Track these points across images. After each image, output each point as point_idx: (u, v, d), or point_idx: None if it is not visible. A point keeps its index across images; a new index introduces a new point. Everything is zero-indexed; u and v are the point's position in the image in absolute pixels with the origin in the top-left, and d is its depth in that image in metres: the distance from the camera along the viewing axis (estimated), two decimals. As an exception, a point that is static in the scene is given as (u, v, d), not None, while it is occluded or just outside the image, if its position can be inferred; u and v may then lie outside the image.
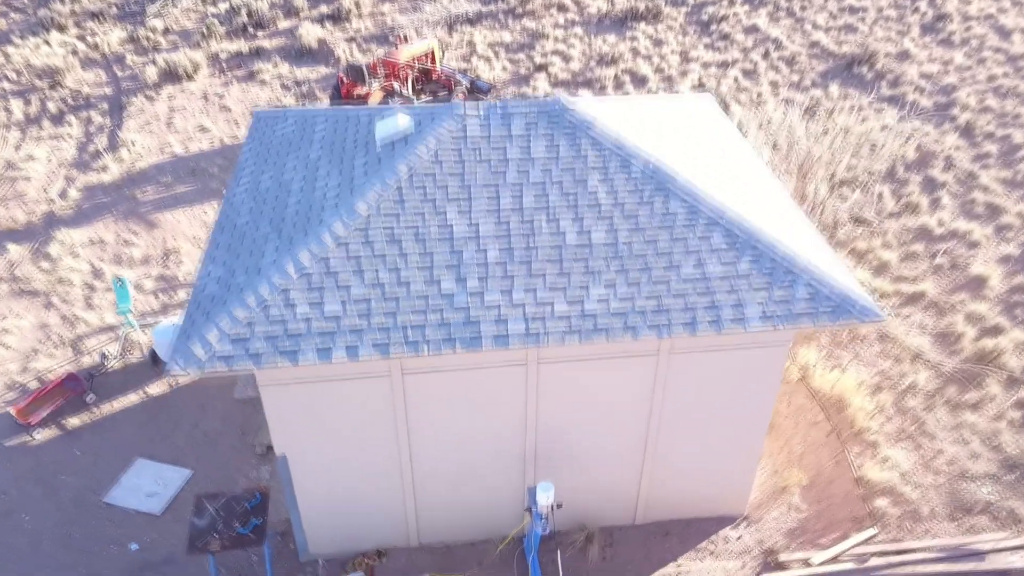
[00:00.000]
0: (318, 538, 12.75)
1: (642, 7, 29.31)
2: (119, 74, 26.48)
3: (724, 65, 26.58)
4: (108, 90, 25.89)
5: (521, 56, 27.10)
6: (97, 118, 24.41)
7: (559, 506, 11.11)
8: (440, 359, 10.81)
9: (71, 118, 24.34)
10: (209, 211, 20.76)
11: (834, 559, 12.94)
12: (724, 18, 29.12)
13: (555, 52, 27.18)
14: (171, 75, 25.97)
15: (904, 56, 26.70)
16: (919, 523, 13.49)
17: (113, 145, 23.15)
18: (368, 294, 10.26)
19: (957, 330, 16.84)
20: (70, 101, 25.12)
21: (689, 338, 10.97)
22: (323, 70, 26.64)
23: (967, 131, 23.26)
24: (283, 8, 29.89)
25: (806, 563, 12.90)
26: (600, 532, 13.25)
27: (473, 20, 29.29)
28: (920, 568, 12.45)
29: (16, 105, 24.65)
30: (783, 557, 13.02)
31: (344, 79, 22.35)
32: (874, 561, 12.83)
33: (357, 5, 29.57)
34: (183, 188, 21.48)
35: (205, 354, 9.78)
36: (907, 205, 20.60)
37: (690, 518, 13.55)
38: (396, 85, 22.94)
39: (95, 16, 29.78)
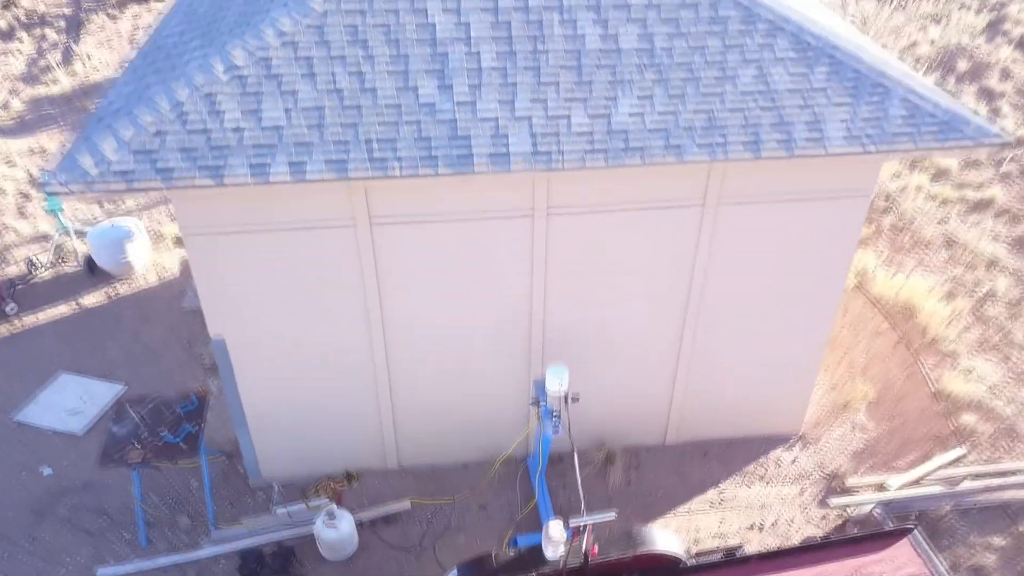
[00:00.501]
0: (271, 458, 10.20)
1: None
2: (79, -9, 23.99)
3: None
4: (68, 10, 23.41)
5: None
6: (52, 35, 21.95)
7: (575, 399, 8.55)
8: (420, 203, 8.26)
9: (23, 35, 21.88)
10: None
11: (916, 482, 10.35)
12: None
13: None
14: (136, -9, 23.49)
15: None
16: (1017, 441, 10.92)
17: (67, 59, 20.68)
18: (321, 101, 7.71)
19: (1038, 235, 14.30)
20: (23, 19, 22.65)
21: (745, 178, 8.43)
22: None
23: (1021, 45, 20.79)
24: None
25: (881, 488, 10.32)
26: (623, 453, 10.68)
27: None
28: (1029, 489, 9.91)
29: (-39, 20, 22.19)
30: (851, 482, 10.45)
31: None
32: (967, 484, 10.25)
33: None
34: (140, 97, 18.94)
35: (97, 168, 7.22)
36: (964, 113, 18.03)
37: (732, 438, 10.98)
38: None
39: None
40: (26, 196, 15.93)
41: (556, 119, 7.83)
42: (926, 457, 10.74)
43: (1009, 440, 10.92)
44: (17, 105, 18.81)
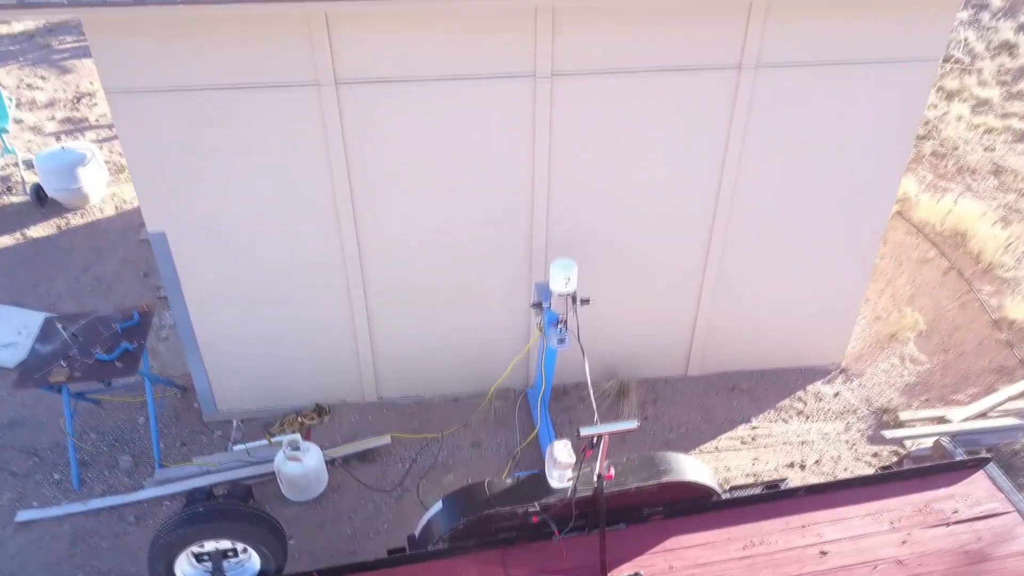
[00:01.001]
0: (229, 388, 8.73)
1: None
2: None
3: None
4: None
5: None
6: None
7: (585, 301, 7.08)
8: (396, 57, 6.79)
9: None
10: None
11: (982, 415, 8.86)
12: None
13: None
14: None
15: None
16: (1094, 371, 9.44)
17: None
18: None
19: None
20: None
21: (792, 28, 6.95)
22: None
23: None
24: None
25: (940, 421, 8.83)
26: (639, 385, 9.19)
27: None
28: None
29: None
30: (905, 416, 8.96)
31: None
32: (1043, 416, 8.76)
33: None
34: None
35: (-15, -17, 5.74)
36: (1002, 45, 16.55)
37: (763, 370, 9.49)
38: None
39: None
40: (-26, 128, 14.44)
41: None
42: (990, 390, 9.25)
43: (1086, 370, 9.45)
44: (-26, 43, 17.37)
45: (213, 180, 7.25)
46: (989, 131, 13.84)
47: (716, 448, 8.75)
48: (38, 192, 12.23)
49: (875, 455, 8.64)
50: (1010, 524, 6.53)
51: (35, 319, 10.31)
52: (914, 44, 7.25)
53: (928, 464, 7.04)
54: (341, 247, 7.93)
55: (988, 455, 7.09)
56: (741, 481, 8.24)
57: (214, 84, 6.75)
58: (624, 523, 6.30)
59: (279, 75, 6.78)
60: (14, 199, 12.56)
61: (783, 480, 7.14)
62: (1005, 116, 14.30)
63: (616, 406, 8.97)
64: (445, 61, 6.87)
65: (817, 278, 8.79)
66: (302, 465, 7.83)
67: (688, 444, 8.73)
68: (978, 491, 6.90)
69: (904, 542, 6.38)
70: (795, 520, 6.53)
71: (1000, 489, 6.88)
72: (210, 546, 6.43)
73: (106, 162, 13.17)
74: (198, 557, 6.49)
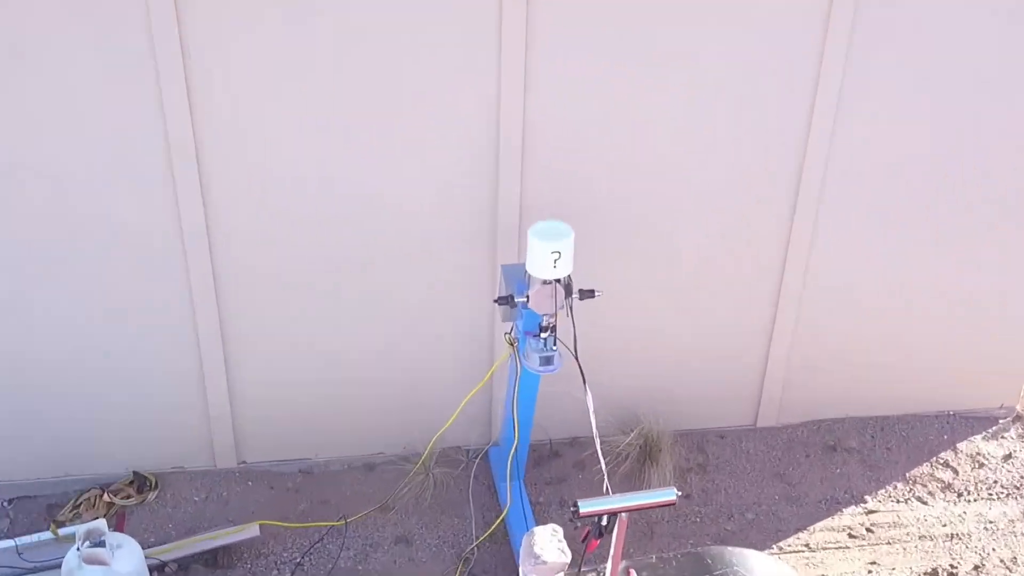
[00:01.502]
0: None
1: None
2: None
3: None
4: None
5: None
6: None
7: (588, 293, 3.95)
8: None
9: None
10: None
11: None
12: None
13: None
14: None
15: None
16: None
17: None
18: None
19: None
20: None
21: None
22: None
23: None
24: None
25: None
26: (676, 440, 5.84)
27: None
28: None
29: None
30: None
31: None
32: None
33: None
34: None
35: None
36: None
37: (883, 416, 6.21)
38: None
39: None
40: None
41: None
42: None
43: None
44: None
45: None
46: None
47: (807, 546, 5.55)
48: None
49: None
50: None
51: None
52: None
53: None
54: (177, 214, 4.78)
55: None
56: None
57: None
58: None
59: None
60: None
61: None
62: None
63: (638, 473, 5.68)
64: None
65: (973, 278, 5.70)
66: (109, 571, 4.62)
67: (760, 537, 5.60)
68: None
69: None
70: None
71: None
72: None
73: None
74: None
